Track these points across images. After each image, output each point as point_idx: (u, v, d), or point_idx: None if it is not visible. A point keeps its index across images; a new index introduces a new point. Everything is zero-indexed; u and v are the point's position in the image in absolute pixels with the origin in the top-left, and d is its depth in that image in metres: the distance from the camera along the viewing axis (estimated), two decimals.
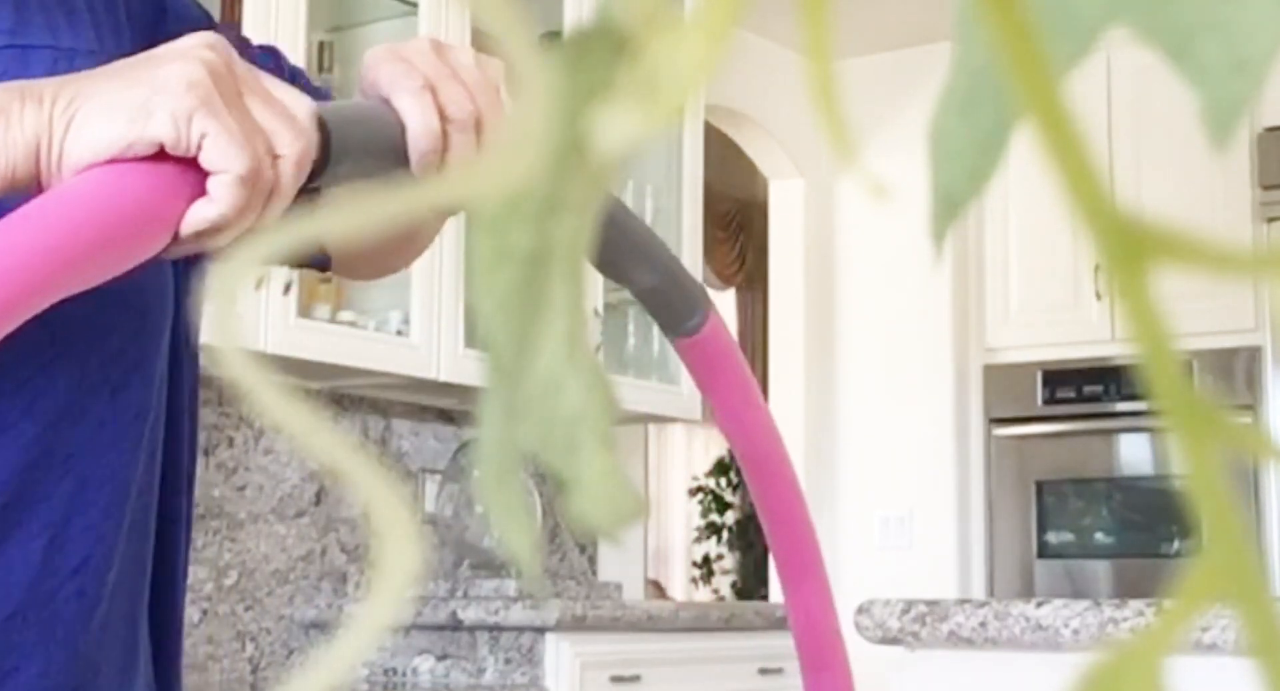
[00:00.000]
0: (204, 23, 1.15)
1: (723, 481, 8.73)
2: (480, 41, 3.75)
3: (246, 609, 3.62)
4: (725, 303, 7.53)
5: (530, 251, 0.23)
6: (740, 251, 7.43)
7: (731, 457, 8.57)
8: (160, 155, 0.80)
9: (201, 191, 0.81)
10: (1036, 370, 5.25)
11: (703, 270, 4.88)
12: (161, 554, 1.10)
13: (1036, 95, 0.21)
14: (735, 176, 6.60)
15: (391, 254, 1.21)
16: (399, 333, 3.68)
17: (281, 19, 3.36)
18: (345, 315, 3.60)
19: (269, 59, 1.18)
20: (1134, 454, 5.14)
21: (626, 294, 1.05)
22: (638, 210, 4.30)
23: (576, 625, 3.58)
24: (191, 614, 3.45)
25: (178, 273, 1.09)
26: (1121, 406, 5.07)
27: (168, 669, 1.12)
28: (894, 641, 2.07)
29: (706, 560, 8.73)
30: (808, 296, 5.47)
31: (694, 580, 8.89)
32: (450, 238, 3.65)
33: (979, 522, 5.32)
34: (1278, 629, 0.20)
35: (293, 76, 1.17)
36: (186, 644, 1.96)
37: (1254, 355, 4.93)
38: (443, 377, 3.70)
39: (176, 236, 0.80)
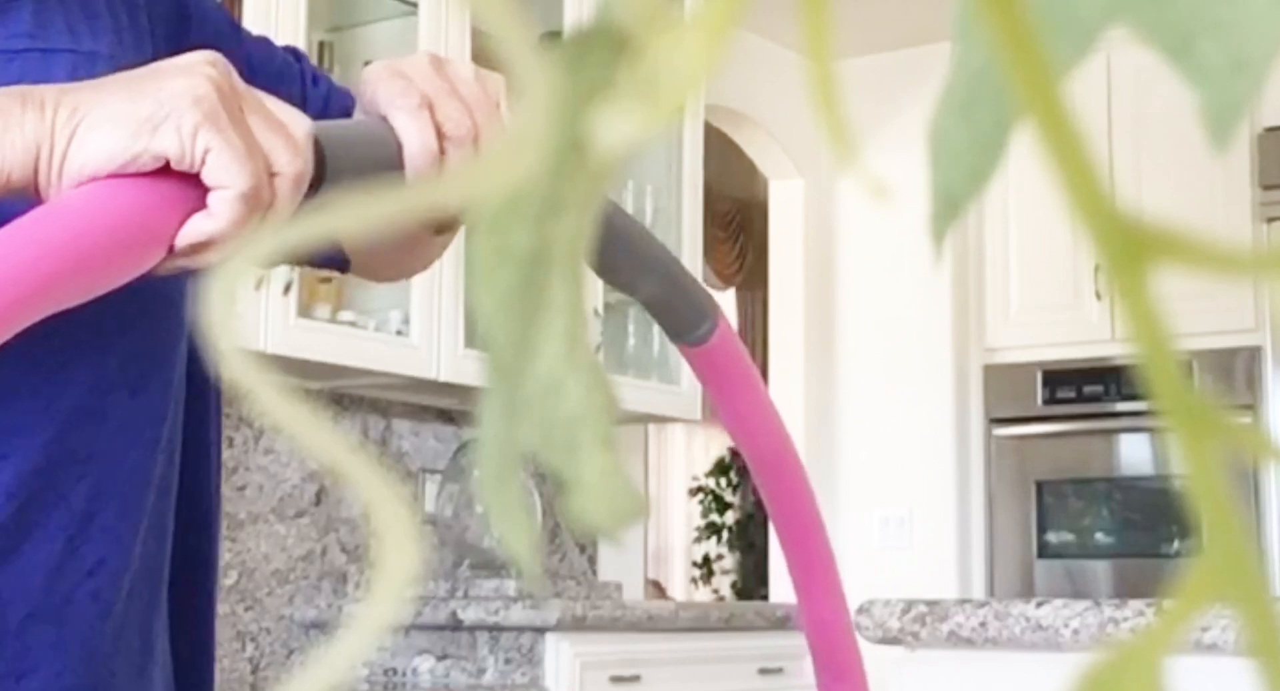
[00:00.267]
0: (227, 26, 1.15)
1: (723, 481, 8.73)
2: (480, 42, 3.75)
3: (246, 609, 3.62)
4: (725, 302, 7.53)
5: (530, 251, 0.23)
6: (740, 251, 7.43)
7: (732, 458, 8.58)
8: (160, 169, 0.80)
9: (198, 206, 0.81)
10: (1036, 370, 5.25)
11: (703, 270, 4.88)
12: (187, 558, 1.10)
13: (1036, 95, 0.21)
14: (735, 176, 6.60)
15: (408, 254, 1.21)
16: (399, 333, 3.68)
17: (281, 19, 3.36)
18: (345, 315, 3.60)
19: (293, 59, 1.18)
20: (1134, 454, 5.14)
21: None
22: (638, 210, 4.30)
23: (576, 625, 3.58)
24: None
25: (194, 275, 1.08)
26: (1121, 406, 5.07)
27: (200, 675, 1.12)
28: (894, 641, 2.07)
29: (706, 560, 8.74)
30: (808, 296, 5.47)
31: (694, 580, 8.89)
32: None
33: (979, 522, 5.32)
34: (1278, 629, 0.20)
35: (314, 78, 1.18)
36: None
37: (1254, 355, 4.93)
38: (443, 377, 3.70)
39: (171, 250, 0.80)
